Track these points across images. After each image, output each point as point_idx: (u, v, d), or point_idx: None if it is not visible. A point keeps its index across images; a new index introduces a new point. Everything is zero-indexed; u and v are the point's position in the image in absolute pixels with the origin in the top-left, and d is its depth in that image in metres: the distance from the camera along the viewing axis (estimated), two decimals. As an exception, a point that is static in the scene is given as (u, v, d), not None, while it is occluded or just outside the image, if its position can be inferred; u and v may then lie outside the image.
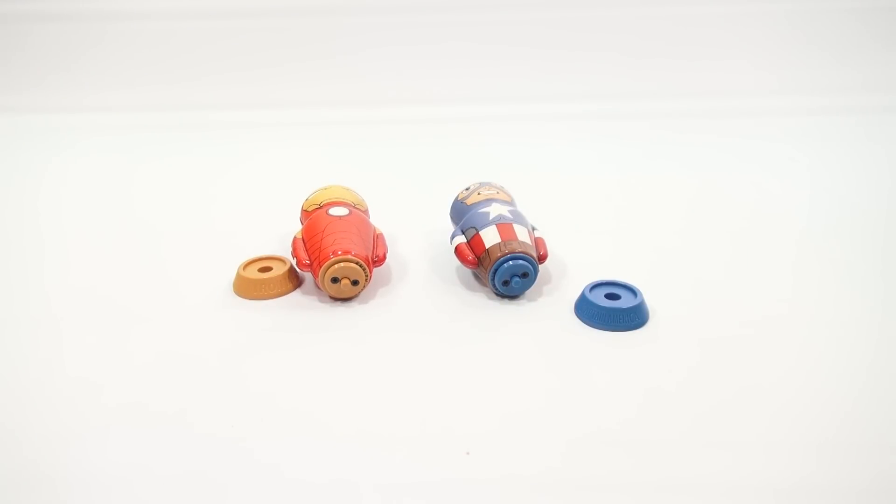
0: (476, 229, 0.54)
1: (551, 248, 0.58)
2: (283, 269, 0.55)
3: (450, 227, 0.61)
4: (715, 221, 0.69)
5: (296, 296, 0.55)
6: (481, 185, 0.61)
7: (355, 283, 0.52)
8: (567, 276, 0.57)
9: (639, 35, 1.09)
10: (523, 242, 0.53)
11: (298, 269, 0.54)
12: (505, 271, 0.51)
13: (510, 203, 0.59)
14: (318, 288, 0.54)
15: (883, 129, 0.96)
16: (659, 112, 1.03)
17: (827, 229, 0.67)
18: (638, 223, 0.69)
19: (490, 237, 0.53)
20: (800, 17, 1.09)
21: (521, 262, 0.51)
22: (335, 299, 0.54)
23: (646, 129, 0.98)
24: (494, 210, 0.55)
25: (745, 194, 0.75)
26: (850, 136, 0.95)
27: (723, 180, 0.80)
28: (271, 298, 0.54)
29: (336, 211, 0.56)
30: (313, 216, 0.57)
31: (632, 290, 0.52)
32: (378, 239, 0.57)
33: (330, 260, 0.51)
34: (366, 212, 0.61)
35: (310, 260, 0.53)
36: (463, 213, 0.58)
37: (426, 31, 1.09)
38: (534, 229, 0.57)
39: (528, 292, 0.54)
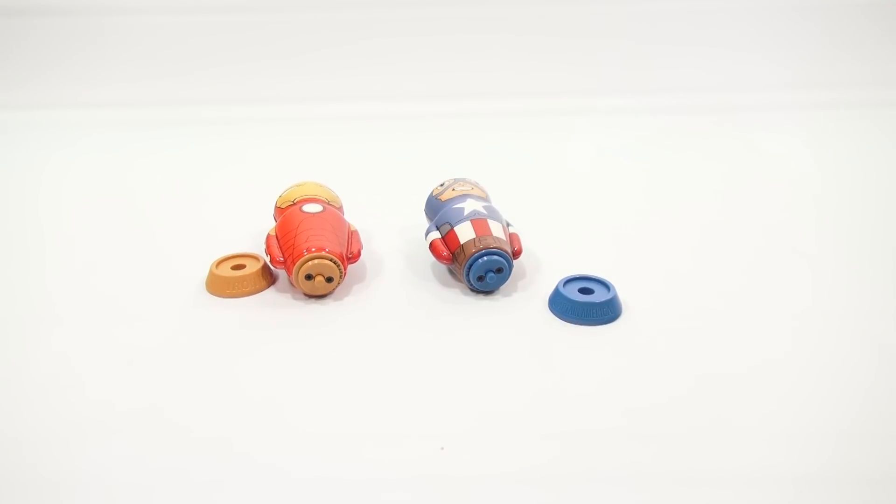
0: (451, 225, 0.54)
1: (525, 243, 0.58)
2: (257, 266, 0.55)
3: (424, 223, 0.61)
4: (690, 216, 0.69)
5: (269, 293, 0.54)
6: (456, 181, 0.61)
7: (329, 279, 0.52)
8: (541, 271, 0.57)
9: (621, 31, 1.09)
10: (498, 238, 0.53)
11: (272, 267, 0.54)
12: (480, 267, 0.52)
13: (485, 199, 0.59)
14: (292, 285, 0.54)
15: (881, 124, 0.96)
16: (631, 108, 1.03)
17: (813, 220, 0.67)
18: (611, 218, 0.69)
19: (465, 233, 0.53)
20: (796, 11, 1.08)
21: (495, 257, 0.52)
22: (309, 296, 0.53)
23: (621, 125, 0.98)
24: (469, 206, 0.55)
25: (722, 189, 0.76)
26: (839, 131, 0.95)
27: (703, 176, 0.80)
28: (245, 296, 0.54)
29: (310, 208, 0.56)
30: (287, 213, 0.56)
31: (605, 285, 0.52)
32: (353, 236, 0.56)
33: (304, 257, 0.51)
34: (340, 208, 0.60)
35: (283, 257, 0.52)
36: (437, 209, 0.58)
37: (399, 27, 1.08)
38: (508, 225, 0.57)
39: (502, 287, 0.54)
